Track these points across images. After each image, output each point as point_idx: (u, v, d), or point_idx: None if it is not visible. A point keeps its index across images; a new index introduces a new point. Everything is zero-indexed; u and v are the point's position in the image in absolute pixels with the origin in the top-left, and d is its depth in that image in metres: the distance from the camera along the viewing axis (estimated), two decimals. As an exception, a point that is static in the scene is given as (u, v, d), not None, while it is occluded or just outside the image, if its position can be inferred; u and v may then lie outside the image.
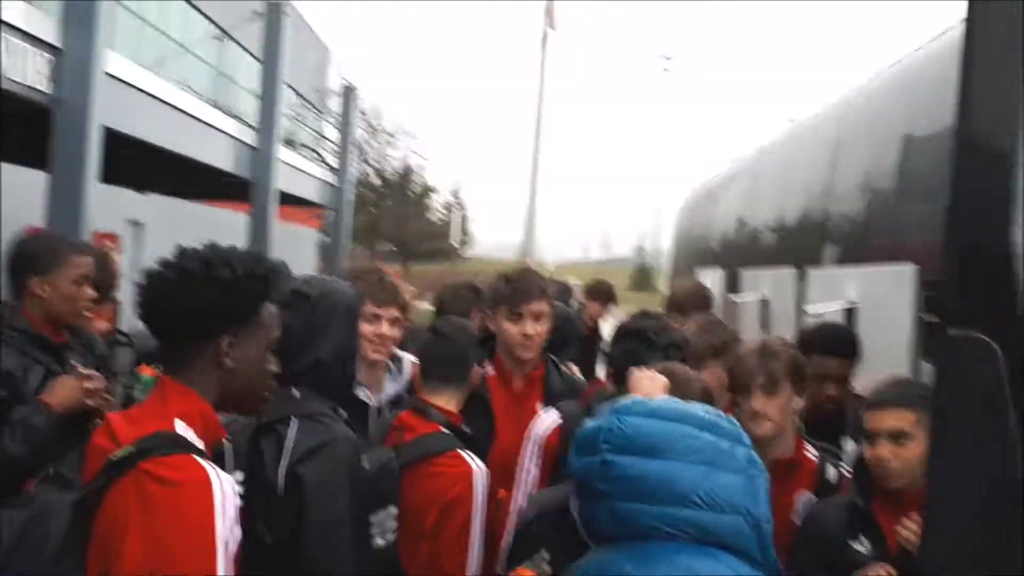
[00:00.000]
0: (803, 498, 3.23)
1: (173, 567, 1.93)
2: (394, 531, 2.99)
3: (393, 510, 3.00)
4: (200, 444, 2.13)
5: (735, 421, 1.99)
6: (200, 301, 2.17)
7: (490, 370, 3.83)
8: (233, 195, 15.10)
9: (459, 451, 3.25)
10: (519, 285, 3.79)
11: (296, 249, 30.56)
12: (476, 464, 3.23)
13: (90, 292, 3.62)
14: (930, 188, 4.95)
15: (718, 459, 1.86)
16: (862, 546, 2.90)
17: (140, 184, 15.28)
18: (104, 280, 4.21)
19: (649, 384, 2.68)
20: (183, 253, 2.25)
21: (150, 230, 21.70)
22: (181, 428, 2.11)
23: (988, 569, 2.01)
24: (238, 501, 2.09)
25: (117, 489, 2.00)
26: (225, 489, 2.03)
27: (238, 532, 2.07)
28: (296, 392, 2.79)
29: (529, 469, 3.46)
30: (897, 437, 2.86)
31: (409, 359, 4.07)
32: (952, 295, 2.07)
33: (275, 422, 2.73)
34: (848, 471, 3.22)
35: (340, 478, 2.69)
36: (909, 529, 2.71)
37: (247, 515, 2.42)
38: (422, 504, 3.12)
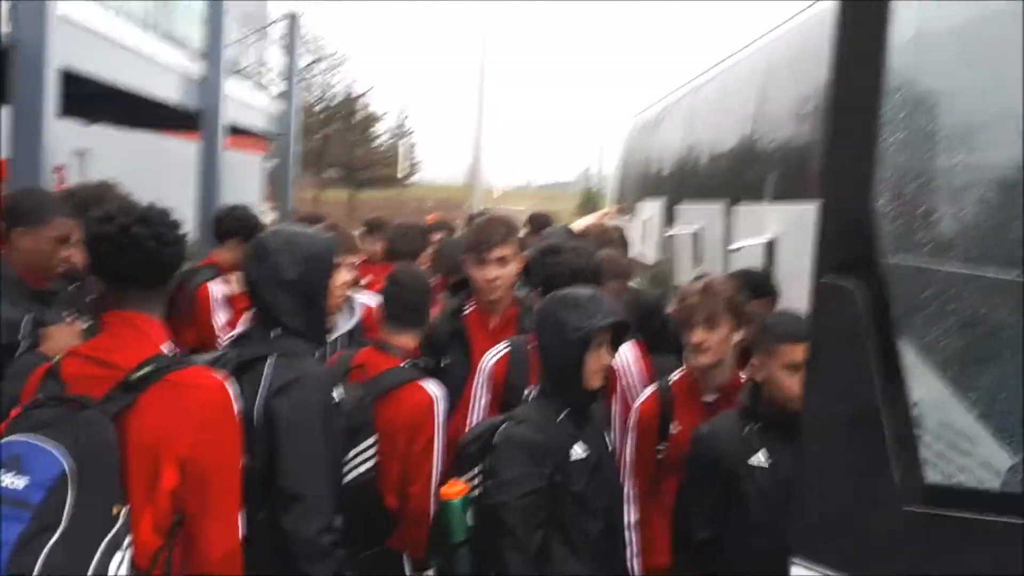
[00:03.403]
0: None
1: (216, 452, 2.47)
2: (373, 460, 3.23)
3: (371, 441, 3.22)
4: None
5: None
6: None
7: (470, 308, 4.16)
8: (184, 125, 15.20)
9: (419, 381, 3.56)
10: (482, 234, 4.08)
11: (243, 176, 30.46)
12: (434, 392, 3.54)
13: (66, 253, 3.77)
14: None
15: None
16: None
17: (92, 116, 15.32)
18: None
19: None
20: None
21: (95, 159, 21.61)
22: (168, 349, 2.57)
23: (854, 478, 2.47)
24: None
25: (148, 401, 2.42)
26: (234, 391, 2.58)
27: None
28: (274, 333, 2.95)
29: (480, 396, 3.81)
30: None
31: (361, 300, 4.43)
32: (824, 248, 2.48)
33: (256, 359, 2.90)
34: None
35: (312, 410, 2.84)
36: None
37: None
38: (390, 431, 3.38)
